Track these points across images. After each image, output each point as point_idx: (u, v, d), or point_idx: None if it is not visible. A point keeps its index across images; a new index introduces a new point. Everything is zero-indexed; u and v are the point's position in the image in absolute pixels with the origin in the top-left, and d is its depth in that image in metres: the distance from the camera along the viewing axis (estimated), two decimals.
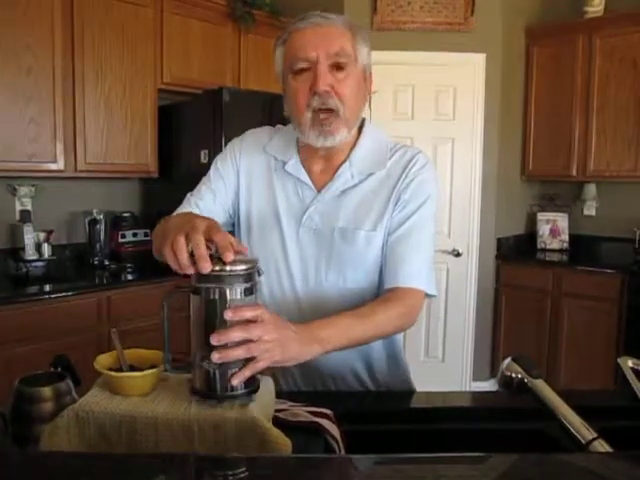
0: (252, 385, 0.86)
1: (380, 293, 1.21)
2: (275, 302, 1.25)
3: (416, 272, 1.17)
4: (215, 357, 0.81)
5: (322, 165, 1.25)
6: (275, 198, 1.26)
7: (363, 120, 1.28)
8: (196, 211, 1.25)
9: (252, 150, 1.30)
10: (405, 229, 1.20)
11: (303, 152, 1.25)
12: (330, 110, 1.13)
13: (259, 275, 0.89)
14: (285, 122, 1.28)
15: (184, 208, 1.27)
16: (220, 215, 1.29)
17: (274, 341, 0.87)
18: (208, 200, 1.27)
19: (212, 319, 0.84)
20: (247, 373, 0.84)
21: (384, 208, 1.21)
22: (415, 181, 1.21)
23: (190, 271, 0.84)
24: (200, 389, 0.84)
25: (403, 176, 1.21)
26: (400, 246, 1.19)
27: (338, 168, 1.23)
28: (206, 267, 0.81)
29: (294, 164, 1.25)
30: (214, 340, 0.82)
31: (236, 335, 0.83)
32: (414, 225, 1.20)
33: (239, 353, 0.83)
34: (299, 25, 1.15)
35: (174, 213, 1.26)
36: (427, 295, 1.21)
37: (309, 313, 1.22)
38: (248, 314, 0.85)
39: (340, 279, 1.22)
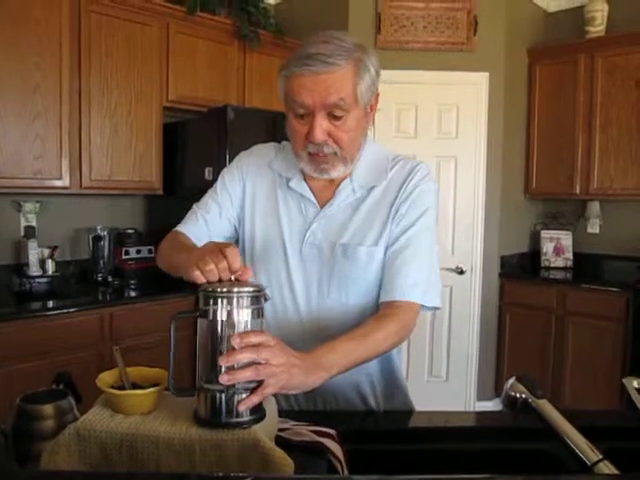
0: (258, 413, 0.85)
1: (378, 306, 1.20)
2: (277, 318, 1.25)
3: (412, 285, 1.16)
4: (224, 379, 0.81)
5: (324, 181, 1.25)
6: (279, 215, 1.27)
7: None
8: (202, 223, 1.28)
9: (258, 166, 1.32)
10: (403, 241, 1.19)
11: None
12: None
13: (265, 301, 0.90)
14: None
15: (190, 219, 1.30)
16: (226, 228, 1.31)
17: (281, 366, 0.87)
18: (214, 213, 1.29)
19: (220, 342, 0.84)
20: (255, 399, 0.84)
21: (384, 222, 1.21)
22: (414, 193, 1.21)
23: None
24: (204, 417, 0.83)
25: (403, 188, 1.22)
26: (397, 259, 1.19)
27: (340, 184, 1.24)
28: (247, 273, 0.90)
29: (297, 181, 1.26)
30: (222, 361, 0.82)
31: (244, 357, 0.83)
32: (412, 237, 1.19)
33: (247, 375, 0.83)
34: (299, 68, 1.09)
35: (181, 225, 1.29)
36: (429, 308, 1.20)
37: (311, 329, 1.22)
38: (254, 340, 0.85)
39: (342, 295, 1.22)
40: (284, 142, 1.35)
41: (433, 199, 1.24)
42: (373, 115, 1.23)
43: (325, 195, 1.25)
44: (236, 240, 1.34)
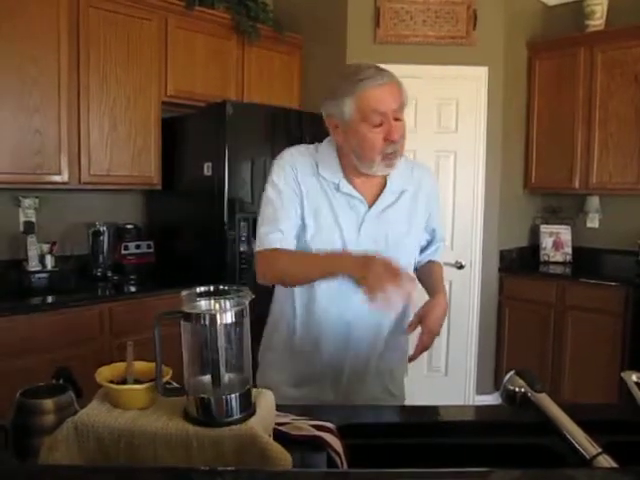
0: (248, 409, 0.85)
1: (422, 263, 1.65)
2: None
3: (440, 254, 1.67)
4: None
5: (362, 178, 1.43)
6: (334, 213, 1.42)
7: None
8: (280, 236, 1.38)
9: (306, 172, 1.44)
10: (434, 226, 1.61)
11: (346, 169, 1.43)
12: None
13: (250, 299, 0.90)
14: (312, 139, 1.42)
15: (271, 239, 1.38)
16: (296, 233, 1.42)
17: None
18: (287, 225, 1.40)
19: (204, 345, 0.84)
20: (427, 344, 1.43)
21: (422, 216, 1.53)
22: (435, 190, 1.58)
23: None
24: (196, 416, 0.83)
25: (424, 186, 1.53)
26: (433, 239, 1.64)
27: (384, 186, 1.45)
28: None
29: (345, 184, 1.42)
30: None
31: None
32: (439, 224, 1.63)
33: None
34: (378, 81, 1.31)
35: (260, 247, 1.40)
36: None
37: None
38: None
39: None
40: (314, 146, 1.47)
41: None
42: None
43: (367, 192, 1.45)
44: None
